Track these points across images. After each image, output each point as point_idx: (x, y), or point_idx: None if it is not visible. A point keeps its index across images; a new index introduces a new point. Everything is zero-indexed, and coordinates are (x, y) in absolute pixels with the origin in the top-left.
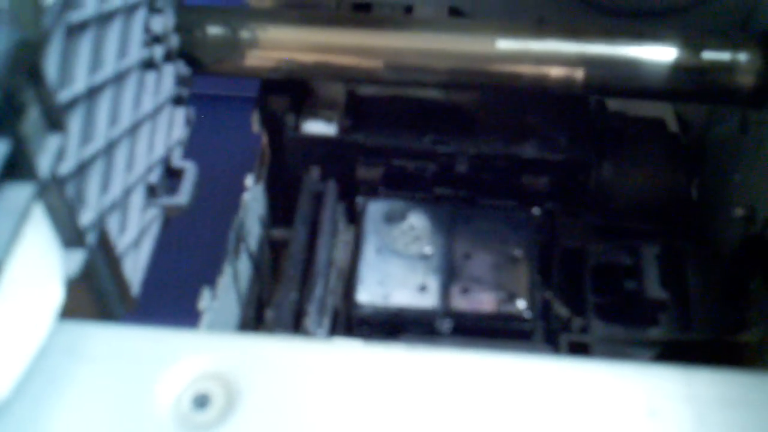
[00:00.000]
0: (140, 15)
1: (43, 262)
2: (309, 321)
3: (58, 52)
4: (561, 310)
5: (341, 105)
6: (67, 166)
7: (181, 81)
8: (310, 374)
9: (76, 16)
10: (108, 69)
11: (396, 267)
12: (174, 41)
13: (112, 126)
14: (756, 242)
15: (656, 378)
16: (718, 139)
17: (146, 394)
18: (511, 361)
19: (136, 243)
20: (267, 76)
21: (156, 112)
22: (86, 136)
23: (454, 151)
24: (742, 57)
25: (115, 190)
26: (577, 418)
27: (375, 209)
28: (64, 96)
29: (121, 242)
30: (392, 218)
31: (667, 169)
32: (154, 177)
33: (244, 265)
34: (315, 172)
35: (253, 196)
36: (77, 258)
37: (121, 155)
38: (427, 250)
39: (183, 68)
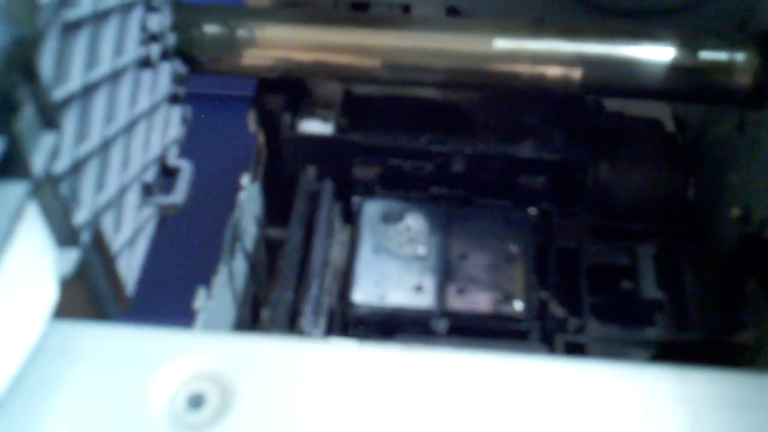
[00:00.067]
0: (137, 13)
1: (37, 261)
2: (304, 321)
3: (53, 50)
4: (557, 310)
5: (338, 104)
6: (61, 165)
7: (177, 79)
8: (305, 374)
9: (71, 13)
10: (104, 67)
11: (392, 267)
12: (170, 40)
13: (107, 124)
14: (752, 243)
15: (652, 378)
16: (715, 140)
17: (140, 394)
18: (507, 361)
19: (131, 242)
20: (264, 74)
21: (152, 110)
22: (81, 135)
23: (450, 151)
24: (740, 57)
25: (110, 188)
26: (573, 419)
27: (371, 209)
28: (59, 94)
29: (116, 241)
30: (388, 218)
31: (664, 169)
32: (150, 176)
33: (240, 265)
34: (311, 172)
35: (249, 196)
36: (71, 257)
37: (116, 154)
38: (423, 250)
39: (179, 67)
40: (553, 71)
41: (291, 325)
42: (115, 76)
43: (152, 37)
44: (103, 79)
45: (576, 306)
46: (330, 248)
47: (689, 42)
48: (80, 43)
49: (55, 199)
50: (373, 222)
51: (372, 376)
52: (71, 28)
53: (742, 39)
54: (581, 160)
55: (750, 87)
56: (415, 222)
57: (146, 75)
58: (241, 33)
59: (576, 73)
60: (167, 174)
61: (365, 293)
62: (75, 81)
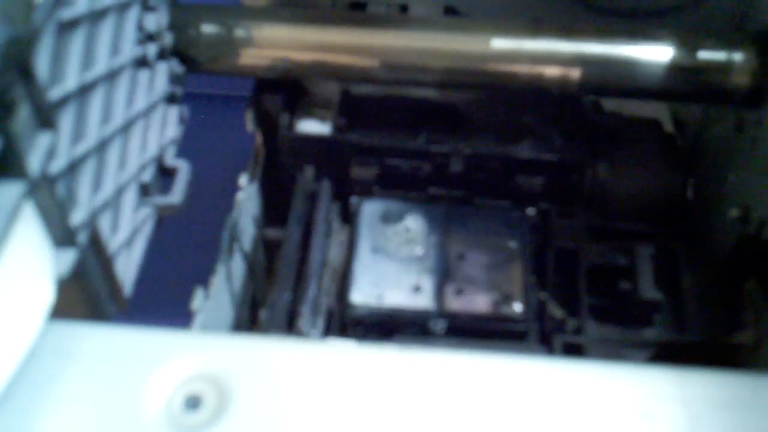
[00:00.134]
0: (133, 13)
1: (34, 262)
2: (302, 321)
3: (49, 50)
4: (555, 310)
5: (335, 104)
6: (58, 165)
7: (174, 79)
8: (303, 375)
9: (67, 13)
10: (100, 67)
11: (390, 267)
12: (168, 39)
13: (104, 124)
14: (750, 243)
15: (650, 379)
16: (714, 140)
17: (138, 395)
18: (505, 362)
19: (129, 242)
20: (261, 74)
21: (149, 110)
22: (78, 135)
23: (448, 151)
24: (738, 57)
25: (108, 189)
26: (571, 420)
27: (369, 209)
28: (55, 94)
29: (113, 242)
30: (386, 218)
31: (663, 169)
32: (147, 176)
33: (238, 265)
34: (309, 172)
35: (247, 196)
36: (68, 257)
37: (113, 154)
38: (421, 250)
39: (177, 66)
40: (552, 71)
41: (289, 325)
42: (111, 76)
43: (149, 37)
44: (99, 79)
45: (574, 307)
46: (328, 248)
47: (687, 42)
48: (76, 42)
49: (52, 200)
50: (372, 222)
51: (370, 377)
52: (67, 27)
53: (740, 39)
54: (580, 161)
55: (748, 87)
56: (412, 222)
57: (143, 75)
58: (239, 33)
59: (574, 74)
60: (165, 174)
61: (363, 294)
62: (71, 80)
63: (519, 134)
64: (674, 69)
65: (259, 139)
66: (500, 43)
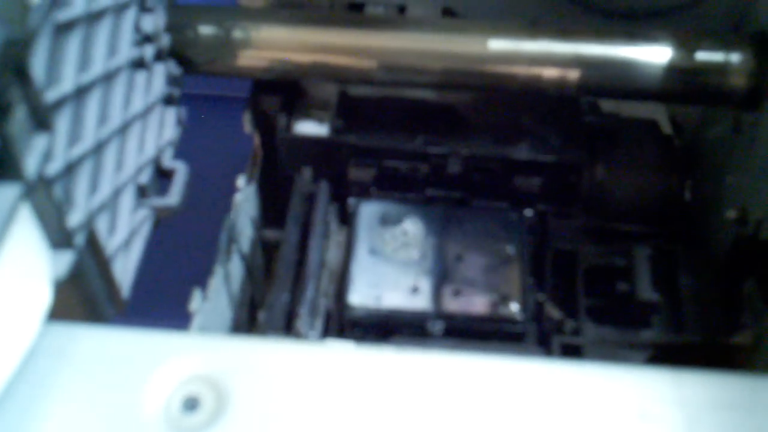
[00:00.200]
0: (130, 14)
1: (31, 264)
2: (301, 323)
3: (46, 51)
4: (553, 312)
5: (333, 105)
6: (54, 167)
7: (172, 81)
8: (301, 377)
9: (64, 14)
10: (97, 68)
11: (388, 269)
12: (165, 41)
13: (101, 126)
14: (748, 244)
15: (648, 381)
16: (711, 141)
17: (136, 396)
18: (503, 363)
19: (126, 244)
20: (259, 76)
21: (146, 112)
22: (74, 136)
23: (446, 152)
24: (735, 58)
25: (105, 190)
26: (569, 421)
27: (367, 210)
28: (51, 95)
29: (111, 243)
30: (384, 220)
31: (660, 170)
32: (145, 177)
33: (236, 267)
34: (307, 173)
35: (245, 197)
36: (66, 259)
37: (110, 155)
38: (419, 251)
39: (174, 68)
40: (550, 72)
41: (287, 326)
42: (108, 78)
43: (146, 38)
44: (96, 81)
45: (572, 308)
46: (326, 250)
47: (685, 43)
48: (73, 44)
49: (49, 201)
50: (369, 224)
51: (368, 379)
52: (64, 28)
53: (738, 40)
54: (577, 162)
55: (746, 88)
56: (410, 224)
57: (140, 76)
58: (236, 34)
59: (572, 75)
60: (162, 176)
61: (361, 295)
62: (68, 82)
63: (517, 135)
64: (672, 70)
65: (256, 140)
66: (498, 45)
